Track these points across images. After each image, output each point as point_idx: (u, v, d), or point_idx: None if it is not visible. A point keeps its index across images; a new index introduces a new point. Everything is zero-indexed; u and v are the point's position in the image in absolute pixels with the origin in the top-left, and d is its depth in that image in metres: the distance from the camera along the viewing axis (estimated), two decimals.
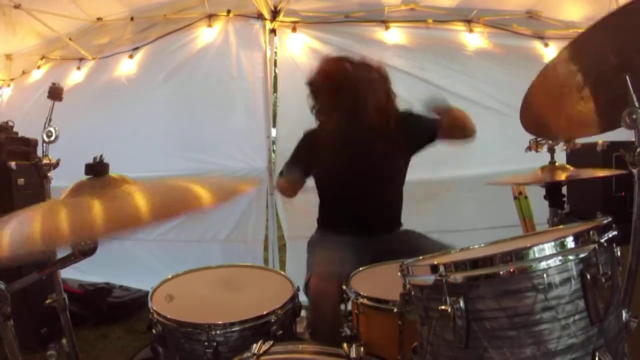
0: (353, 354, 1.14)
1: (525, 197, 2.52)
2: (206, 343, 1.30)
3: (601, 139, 2.31)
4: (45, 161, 1.53)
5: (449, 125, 1.94)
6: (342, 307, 1.63)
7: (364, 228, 2.00)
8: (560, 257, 0.86)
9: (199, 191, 0.84)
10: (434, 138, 2.03)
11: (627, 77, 1.23)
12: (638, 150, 1.26)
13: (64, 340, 1.53)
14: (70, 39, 3.68)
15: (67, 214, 0.79)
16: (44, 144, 1.52)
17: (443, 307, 0.89)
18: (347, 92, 1.93)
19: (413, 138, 2.04)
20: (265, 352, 1.15)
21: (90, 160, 0.97)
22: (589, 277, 0.85)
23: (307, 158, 2.10)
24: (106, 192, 0.88)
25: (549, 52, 3.47)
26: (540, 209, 2.01)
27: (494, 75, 3.38)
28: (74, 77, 3.81)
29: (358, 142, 1.98)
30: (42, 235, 0.73)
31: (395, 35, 3.38)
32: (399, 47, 3.38)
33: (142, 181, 0.96)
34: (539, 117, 1.57)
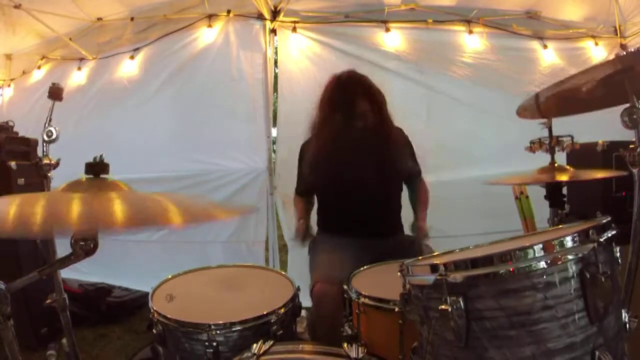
0: (353, 354, 1.14)
1: (527, 197, 2.52)
2: (206, 343, 1.30)
3: (601, 139, 2.31)
4: (45, 161, 1.54)
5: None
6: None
7: (364, 232, 2.00)
8: (559, 257, 0.86)
9: (170, 209, 0.88)
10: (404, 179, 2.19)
11: (627, 78, 1.23)
12: (638, 150, 1.26)
13: (63, 340, 1.53)
14: (70, 39, 3.68)
15: (44, 205, 0.83)
16: (44, 144, 1.52)
17: (443, 307, 0.89)
18: (365, 98, 2.01)
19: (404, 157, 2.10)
20: (266, 352, 1.16)
21: (91, 160, 0.97)
22: (588, 276, 0.85)
23: (309, 168, 2.12)
24: (93, 193, 0.91)
25: (547, 54, 3.48)
26: (540, 209, 2.02)
27: (493, 78, 3.38)
28: (75, 78, 3.81)
29: (357, 147, 1.98)
30: (15, 220, 0.77)
31: (395, 37, 3.38)
32: (399, 50, 3.38)
33: (132, 189, 0.97)
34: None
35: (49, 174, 1.56)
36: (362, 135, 1.98)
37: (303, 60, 3.37)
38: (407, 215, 2.19)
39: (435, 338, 0.96)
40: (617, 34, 3.52)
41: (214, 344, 1.30)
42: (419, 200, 2.18)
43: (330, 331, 1.62)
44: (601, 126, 2.55)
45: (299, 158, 2.25)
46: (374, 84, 2.09)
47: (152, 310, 1.43)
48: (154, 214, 0.88)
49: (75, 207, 0.82)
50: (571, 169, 1.76)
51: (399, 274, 1.08)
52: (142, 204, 0.91)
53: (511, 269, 0.86)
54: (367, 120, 2.00)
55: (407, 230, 2.16)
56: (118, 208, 0.84)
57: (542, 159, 1.84)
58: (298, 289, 1.57)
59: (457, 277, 0.90)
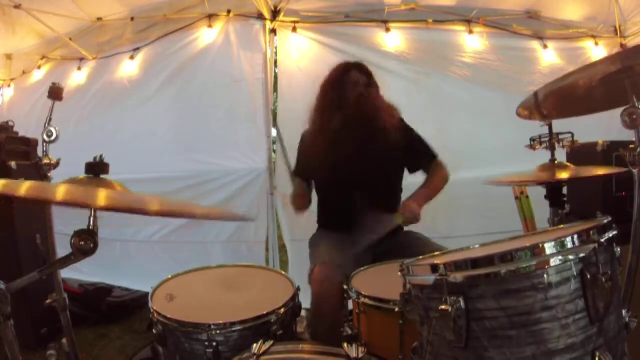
0: (354, 354, 1.14)
1: (527, 197, 2.52)
2: (207, 343, 1.30)
3: (601, 138, 2.31)
4: (45, 161, 1.54)
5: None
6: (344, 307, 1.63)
7: (363, 231, 1.99)
8: (560, 257, 0.86)
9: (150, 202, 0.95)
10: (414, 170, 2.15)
11: (627, 78, 1.23)
12: (638, 150, 1.26)
13: (64, 340, 1.53)
14: (70, 39, 3.68)
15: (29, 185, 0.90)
16: (45, 144, 1.53)
17: (443, 307, 0.89)
18: (359, 70, 2.03)
19: (407, 152, 2.07)
20: (266, 352, 1.16)
21: (91, 160, 0.97)
22: (589, 276, 0.85)
23: (307, 160, 2.11)
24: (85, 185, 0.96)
25: (547, 54, 3.48)
26: (541, 209, 2.01)
27: (493, 78, 3.38)
28: (75, 78, 3.80)
29: (358, 144, 1.98)
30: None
31: (395, 37, 3.38)
32: (399, 50, 3.39)
33: (126, 189, 1.00)
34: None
35: (49, 174, 1.56)
36: (357, 130, 1.97)
37: (303, 60, 3.37)
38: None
39: (436, 338, 0.96)
40: (617, 34, 3.52)
41: (214, 344, 1.30)
42: (425, 183, 2.11)
43: (329, 328, 1.61)
44: (601, 126, 2.56)
45: (301, 143, 2.22)
46: (375, 83, 2.09)
47: (152, 310, 1.43)
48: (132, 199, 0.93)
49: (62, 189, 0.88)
50: (572, 166, 1.76)
51: (399, 273, 1.08)
52: (125, 194, 0.97)
53: (512, 269, 0.85)
54: (359, 89, 2.00)
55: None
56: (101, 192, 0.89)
57: (542, 159, 1.84)
58: (298, 289, 1.57)
59: (458, 277, 0.90)
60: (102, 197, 0.86)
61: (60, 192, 0.84)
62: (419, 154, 2.10)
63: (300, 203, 2.13)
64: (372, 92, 2.03)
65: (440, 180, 2.10)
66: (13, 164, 2.57)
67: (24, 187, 0.84)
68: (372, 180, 1.99)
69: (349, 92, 2.01)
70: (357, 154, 1.96)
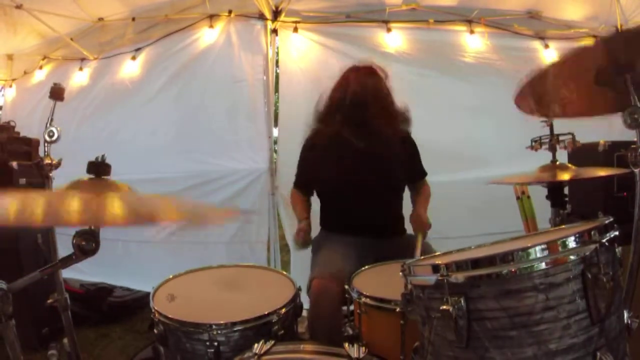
0: (354, 354, 1.14)
1: (528, 197, 2.51)
2: (207, 343, 1.30)
3: (602, 138, 2.31)
4: (47, 161, 1.54)
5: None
6: (345, 307, 1.63)
7: (365, 232, 1.99)
8: (561, 257, 0.86)
9: (167, 208, 0.91)
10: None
11: (628, 77, 1.23)
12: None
13: (65, 340, 1.53)
14: (71, 39, 3.68)
15: (44, 200, 0.86)
16: (46, 144, 1.53)
17: (444, 307, 0.89)
18: (375, 108, 1.98)
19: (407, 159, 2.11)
20: (267, 352, 1.16)
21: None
22: (590, 276, 0.85)
23: (310, 163, 2.12)
24: (94, 191, 0.93)
25: (548, 53, 3.47)
26: (542, 209, 2.01)
27: (493, 79, 3.38)
28: (76, 78, 3.81)
29: (361, 147, 1.98)
30: (16, 213, 0.80)
31: (396, 38, 3.38)
32: (400, 50, 3.39)
33: (134, 191, 0.98)
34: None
35: (51, 174, 1.56)
36: (366, 137, 1.98)
37: (304, 60, 3.37)
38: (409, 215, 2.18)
39: (437, 338, 0.96)
40: None
41: (215, 343, 1.30)
42: (420, 196, 2.18)
43: (328, 329, 1.61)
44: (602, 126, 2.55)
45: (303, 150, 2.20)
46: (384, 86, 2.07)
47: (153, 310, 1.43)
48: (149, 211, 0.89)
49: (75, 204, 0.85)
50: (573, 167, 1.76)
51: (400, 274, 1.08)
52: (139, 202, 0.93)
53: (513, 270, 0.85)
54: (374, 127, 1.98)
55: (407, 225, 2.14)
56: (116, 205, 0.86)
57: (543, 158, 1.83)
58: (299, 289, 1.57)
59: (459, 277, 0.90)
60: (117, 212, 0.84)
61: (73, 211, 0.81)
62: (415, 165, 2.19)
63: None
64: (383, 98, 2.03)
65: (428, 195, 2.21)
66: (14, 164, 2.57)
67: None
68: (376, 183, 1.99)
69: (361, 129, 1.99)
70: (362, 156, 1.96)
